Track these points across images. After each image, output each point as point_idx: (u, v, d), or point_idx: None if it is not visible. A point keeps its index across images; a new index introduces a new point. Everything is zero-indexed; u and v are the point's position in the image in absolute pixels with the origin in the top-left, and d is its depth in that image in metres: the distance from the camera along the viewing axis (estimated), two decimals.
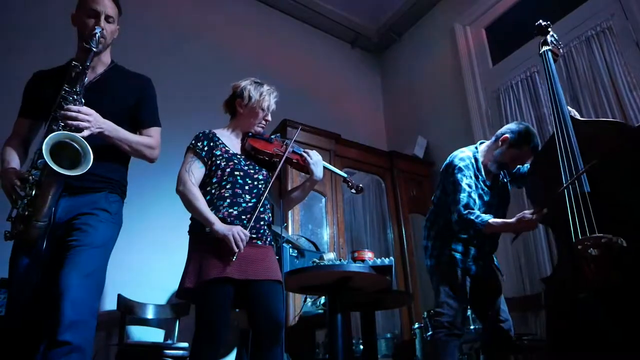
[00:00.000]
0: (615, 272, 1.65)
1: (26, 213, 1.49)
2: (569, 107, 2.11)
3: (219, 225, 1.76)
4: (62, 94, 1.58)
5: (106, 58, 1.84)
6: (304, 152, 2.06)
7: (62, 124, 1.53)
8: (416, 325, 3.28)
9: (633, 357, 1.60)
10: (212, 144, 1.94)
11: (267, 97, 2.01)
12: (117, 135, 1.68)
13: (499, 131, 2.35)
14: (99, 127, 1.60)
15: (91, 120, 1.57)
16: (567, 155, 1.92)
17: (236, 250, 1.73)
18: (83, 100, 1.60)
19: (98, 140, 1.60)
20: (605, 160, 1.80)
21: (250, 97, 1.99)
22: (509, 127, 2.31)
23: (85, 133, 1.53)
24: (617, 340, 1.62)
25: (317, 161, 2.03)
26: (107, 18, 1.74)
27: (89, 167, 1.46)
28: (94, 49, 1.63)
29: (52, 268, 1.53)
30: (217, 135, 1.98)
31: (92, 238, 1.57)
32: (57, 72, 1.77)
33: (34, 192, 1.49)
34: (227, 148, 1.95)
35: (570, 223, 1.79)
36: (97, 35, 1.64)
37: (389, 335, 3.91)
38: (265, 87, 2.04)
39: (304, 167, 2.05)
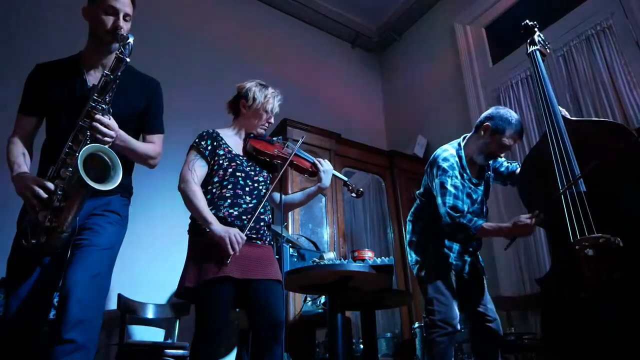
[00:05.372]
0: (614, 272, 1.65)
1: (50, 224, 1.45)
2: (559, 107, 2.08)
3: (216, 226, 1.76)
4: (91, 104, 1.52)
5: None
6: (317, 160, 2.07)
7: (89, 134, 1.50)
8: (416, 325, 3.28)
9: (631, 356, 1.60)
10: (215, 143, 1.95)
11: (271, 100, 2.02)
12: (126, 144, 1.68)
13: (479, 120, 2.29)
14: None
15: (114, 135, 1.56)
16: (561, 157, 1.89)
17: (231, 252, 1.73)
18: (111, 111, 1.56)
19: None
20: (604, 161, 1.79)
21: (254, 99, 2.00)
22: (489, 114, 2.24)
23: (106, 146, 1.52)
24: (616, 340, 1.62)
25: (327, 169, 2.04)
26: (125, 17, 1.67)
27: (119, 180, 1.46)
28: (128, 59, 1.55)
29: (58, 266, 1.53)
30: (221, 135, 1.99)
31: (101, 239, 1.57)
32: (61, 67, 1.72)
33: (60, 204, 1.45)
34: (230, 148, 1.96)
35: (568, 223, 1.78)
36: (130, 44, 1.55)
37: (389, 335, 3.92)
38: (270, 90, 2.05)
39: (305, 169, 2.06)
